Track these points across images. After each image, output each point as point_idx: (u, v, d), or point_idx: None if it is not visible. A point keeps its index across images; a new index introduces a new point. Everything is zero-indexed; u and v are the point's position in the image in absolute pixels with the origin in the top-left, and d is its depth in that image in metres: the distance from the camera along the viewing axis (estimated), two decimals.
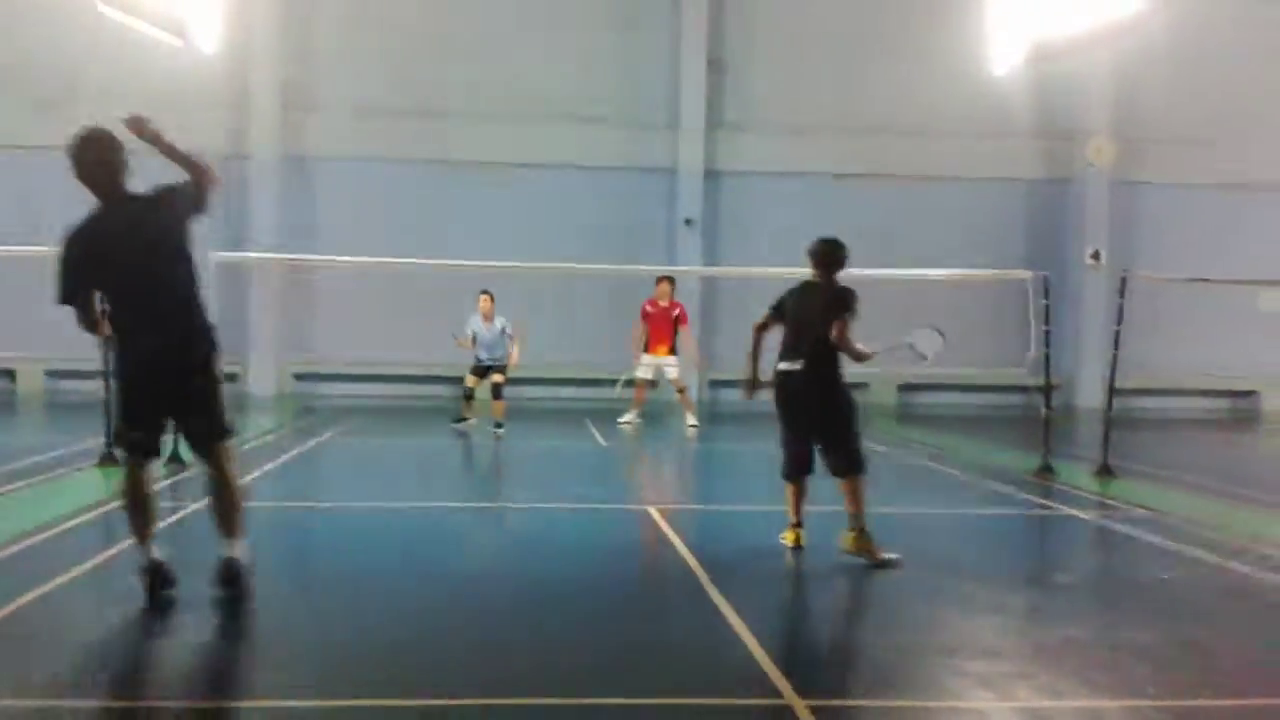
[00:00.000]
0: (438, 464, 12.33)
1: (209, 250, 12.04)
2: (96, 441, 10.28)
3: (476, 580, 6.55)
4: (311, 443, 13.26)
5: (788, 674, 4.66)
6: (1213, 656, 5.25)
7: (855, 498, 6.87)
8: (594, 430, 15.20)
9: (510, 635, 5.29)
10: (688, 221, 20.65)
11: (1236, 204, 21.39)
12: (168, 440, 5.90)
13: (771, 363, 7.24)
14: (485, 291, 14.43)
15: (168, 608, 5.41)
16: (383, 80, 20.67)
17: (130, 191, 5.43)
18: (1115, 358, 11.39)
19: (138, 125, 5.43)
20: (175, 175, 5.49)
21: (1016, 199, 21.85)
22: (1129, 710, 4.38)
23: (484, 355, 14.39)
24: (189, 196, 5.52)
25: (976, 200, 21.40)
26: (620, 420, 15.81)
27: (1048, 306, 11.60)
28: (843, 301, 6.94)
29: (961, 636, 5.42)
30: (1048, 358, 11.68)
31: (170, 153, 5.47)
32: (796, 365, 6.96)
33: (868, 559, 6.79)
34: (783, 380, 7.06)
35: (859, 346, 6.93)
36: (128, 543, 6.63)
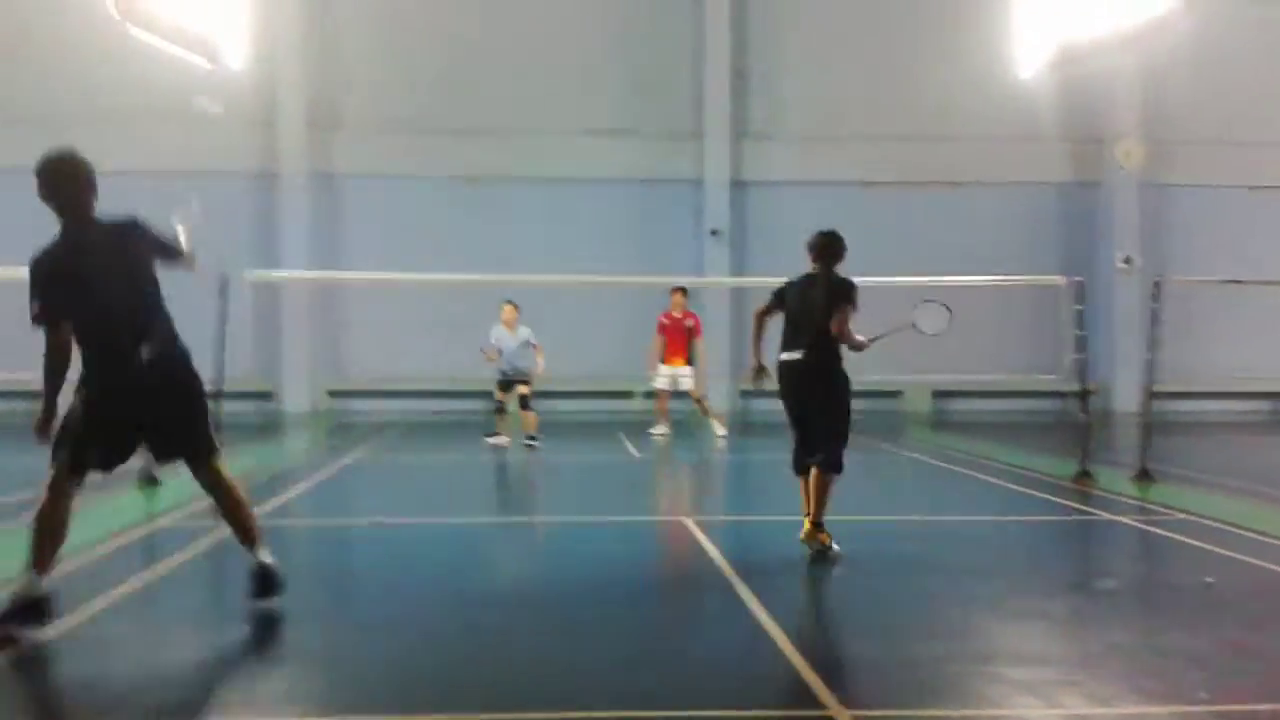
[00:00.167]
0: (473, 479, 12.36)
1: (242, 270, 12.18)
2: (134, 463, 10.34)
3: (514, 595, 6.55)
4: (347, 459, 13.32)
5: (830, 684, 4.62)
6: (1263, 660, 5.17)
7: (823, 494, 7.05)
8: (626, 442, 15.21)
9: (550, 650, 5.28)
10: (714, 232, 20.65)
11: (1268, 204, 21.21)
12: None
13: (773, 356, 7.40)
14: (509, 301, 14.49)
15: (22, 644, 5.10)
16: (409, 97, 20.81)
17: (96, 215, 5.41)
18: (1151, 361, 11.30)
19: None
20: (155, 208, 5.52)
21: (1046, 203, 21.73)
22: (1180, 716, 4.32)
23: (507, 368, 14.43)
24: (163, 249, 5.57)
25: (1006, 205, 21.30)
26: (652, 432, 15.84)
27: (1081, 311, 11.52)
28: (843, 293, 7.07)
29: (1004, 643, 5.38)
30: (1083, 363, 11.59)
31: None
32: (796, 355, 7.14)
33: (820, 548, 7.04)
34: (785, 370, 7.23)
35: (858, 338, 7.06)
36: (171, 562, 6.72)
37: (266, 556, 5.72)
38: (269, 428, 17.95)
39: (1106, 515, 9.36)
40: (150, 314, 5.45)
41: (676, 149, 21.08)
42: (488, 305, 15.23)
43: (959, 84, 20.85)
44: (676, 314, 15.75)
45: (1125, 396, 20.43)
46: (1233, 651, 5.27)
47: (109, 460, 5.46)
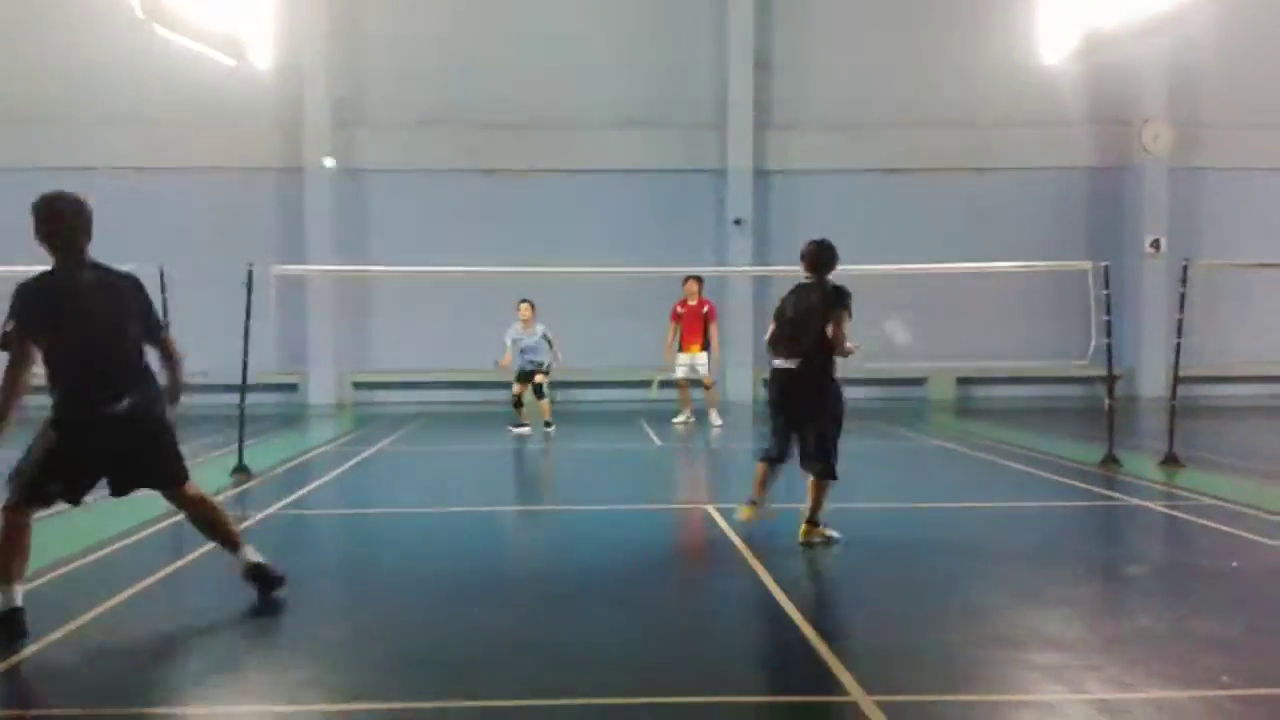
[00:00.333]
0: (498, 468, 12.42)
1: (268, 265, 12.28)
2: None
3: (536, 582, 6.59)
4: (371, 450, 13.41)
5: (853, 670, 4.64)
6: None
7: (819, 497, 7.27)
8: (649, 431, 15.25)
9: (575, 636, 5.32)
10: (737, 221, 20.60)
11: None
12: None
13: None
14: (525, 300, 14.82)
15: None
16: (432, 93, 20.86)
17: (90, 258, 5.42)
18: (1179, 346, 11.23)
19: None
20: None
21: (1073, 188, 21.55)
22: (1204, 700, 4.32)
23: (525, 363, 14.83)
24: (149, 321, 5.55)
25: (1032, 191, 21.15)
26: (674, 420, 15.92)
27: (1108, 296, 11.46)
28: (840, 299, 7.19)
29: (1030, 629, 5.37)
30: (1110, 348, 11.53)
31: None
32: (793, 364, 7.28)
33: (821, 541, 7.25)
34: (781, 377, 7.40)
35: (849, 345, 7.18)
36: (194, 555, 6.80)
37: (254, 556, 5.82)
38: (295, 419, 18.09)
39: (1133, 500, 9.32)
40: (130, 366, 5.45)
41: (699, 139, 21.04)
42: (512, 297, 15.32)
43: (984, 69, 20.72)
44: (692, 302, 15.85)
45: (1152, 381, 20.32)
46: (1257, 636, 5.25)
47: (70, 493, 5.47)
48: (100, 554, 7.11)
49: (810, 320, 7.20)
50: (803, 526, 7.31)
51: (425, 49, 20.83)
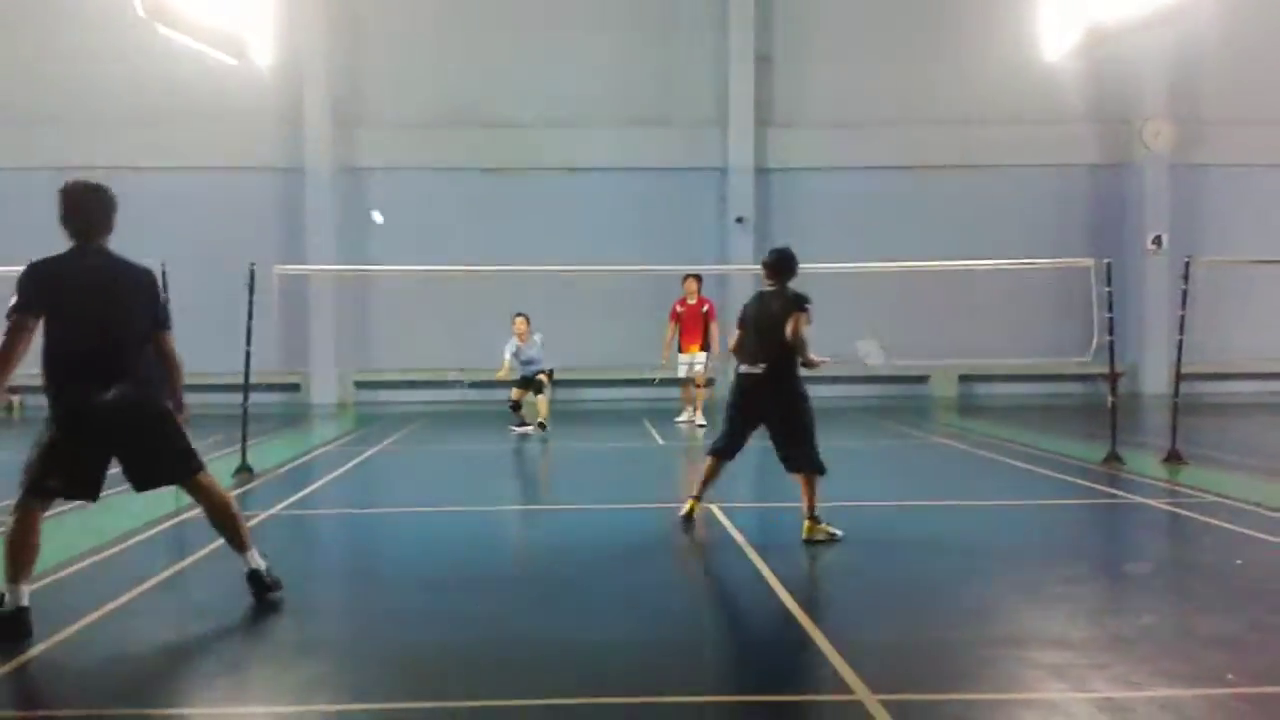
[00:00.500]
0: (500, 468, 12.42)
1: (271, 264, 12.29)
2: None
3: (540, 581, 6.59)
4: (374, 450, 13.41)
5: (858, 669, 4.64)
6: None
7: (812, 492, 7.39)
8: (651, 429, 15.26)
9: (578, 635, 5.32)
10: (739, 220, 20.60)
11: None
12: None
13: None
14: (520, 314, 14.94)
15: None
16: (432, 92, 20.87)
17: (106, 248, 5.47)
18: (1181, 343, 11.23)
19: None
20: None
21: (1075, 185, 21.54)
22: (1207, 699, 4.32)
23: (525, 371, 14.95)
24: (157, 313, 5.60)
25: (1033, 188, 21.15)
26: (677, 420, 15.93)
27: (1110, 293, 11.46)
28: (798, 303, 7.43)
29: (1034, 627, 5.37)
30: (1112, 345, 11.53)
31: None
32: (758, 369, 7.51)
33: (825, 538, 7.31)
34: (745, 382, 7.64)
35: (813, 356, 7.40)
36: (199, 555, 6.81)
37: (255, 562, 5.80)
38: (297, 419, 18.09)
39: (1136, 498, 9.32)
40: (124, 355, 5.42)
41: (700, 137, 21.04)
42: (513, 295, 15.33)
43: (985, 67, 20.72)
44: (691, 301, 15.85)
45: (1154, 378, 20.30)
46: (1262, 633, 5.25)
47: (72, 489, 5.48)
48: (105, 554, 7.11)
49: (773, 326, 7.44)
50: (805, 524, 7.39)
51: (426, 47, 20.85)
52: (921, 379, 20.70)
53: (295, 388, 20.59)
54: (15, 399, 16.90)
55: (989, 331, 20.13)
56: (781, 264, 7.72)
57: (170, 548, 7.49)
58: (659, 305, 16.89)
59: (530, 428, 14.68)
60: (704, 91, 21.11)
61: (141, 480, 5.62)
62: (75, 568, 6.69)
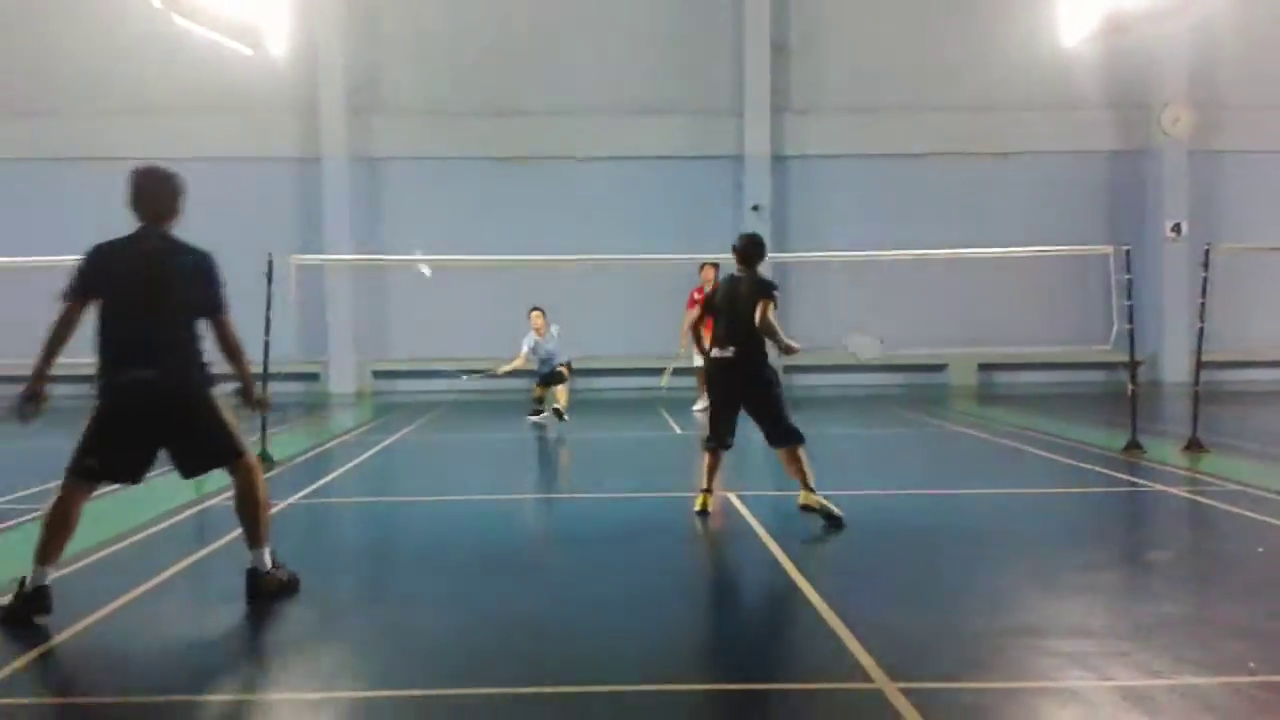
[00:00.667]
0: (518, 456, 12.46)
1: (288, 254, 12.33)
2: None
3: (558, 569, 6.62)
4: (392, 438, 13.46)
5: (877, 657, 4.64)
6: None
7: (799, 463, 7.54)
8: (668, 418, 15.26)
9: (596, 623, 5.33)
10: (755, 208, 20.56)
11: None
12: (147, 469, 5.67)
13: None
14: (536, 308, 14.93)
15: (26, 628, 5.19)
16: (448, 81, 20.89)
17: (168, 232, 5.55)
18: (1201, 331, 11.16)
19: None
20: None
21: (1093, 172, 21.43)
22: (1229, 687, 4.30)
23: (544, 367, 14.95)
24: (213, 296, 5.62)
25: (1052, 175, 21.05)
26: (695, 408, 15.91)
27: (1130, 280, 11.39)
28: (764, 289, 7.57)
29: (1053, 616, 5.35)
30: (1131, 333, 11.47)
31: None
32: (728, 353, 7.67)
33: (819, 508, 7.43)
34: (717, 366, 7.80)
35: (787, 340, 7.51)
36: (220, 543, 6.85)
37: (261, 562, 5.74)
38: (316, 408, 18.17)
39: (1156, 486, 9.27)
40: (169, 337, 5.45)
41: (716, 125, 21.00)
42: (529, 283, 15.34)
43: (1002, 53, 20.60)
44: (709, 289, 15.79)
45: (1174, 366, 20.20)
46: None
47: (116, 473, 5.53)
48: (127, 541, 7.16)
49: (738, 313, 7.57)
50: (800, 494, 7.54)
51: (440, 37, 20.86)
52: (940, 367, 20.64)
53: (314, 377, 20.68)
54: None
55: (1008, 319, 20.06)
56: (751, 249, 7.86)
57: (192, 536, 7.54)
58: (675, 294, 16.87)
59: (546, 414, 14.73)
60: (720, 79, 21.06)
61: (188, 467, 5.65)
62: (100, 554, 6.73)
